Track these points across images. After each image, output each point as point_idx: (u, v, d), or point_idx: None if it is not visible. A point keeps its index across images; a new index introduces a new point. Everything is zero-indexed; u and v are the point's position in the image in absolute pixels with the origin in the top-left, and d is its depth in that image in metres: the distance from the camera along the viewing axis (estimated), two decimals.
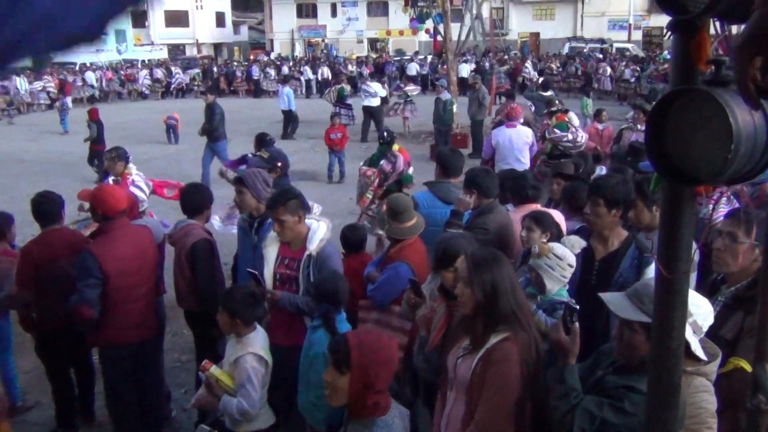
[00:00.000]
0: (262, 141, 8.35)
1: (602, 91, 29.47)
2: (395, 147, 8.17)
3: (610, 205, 3.98)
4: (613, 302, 2.74)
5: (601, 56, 33.89)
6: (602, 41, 40.64)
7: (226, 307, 3.98)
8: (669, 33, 1.43)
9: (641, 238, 4.09)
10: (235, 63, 41.64)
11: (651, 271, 3.79)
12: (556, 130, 8.57)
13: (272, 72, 35.34)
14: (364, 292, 4.76)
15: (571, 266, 3.69)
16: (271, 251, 4.63)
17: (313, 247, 4.47)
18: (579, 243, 3.76)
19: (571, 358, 2.78)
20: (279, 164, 6.01)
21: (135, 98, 35.42)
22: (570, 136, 8.30)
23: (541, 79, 19.04)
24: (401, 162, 8.09)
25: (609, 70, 29.81)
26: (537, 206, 5.03)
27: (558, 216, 4.76)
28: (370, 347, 2.87)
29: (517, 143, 9.29)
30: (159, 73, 36.80)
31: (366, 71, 33.80)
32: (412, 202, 4.90)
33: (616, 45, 39.11)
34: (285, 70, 34.32)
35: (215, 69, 38.66)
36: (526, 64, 31.13)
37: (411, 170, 8.12)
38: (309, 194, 7.61)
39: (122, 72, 37.13)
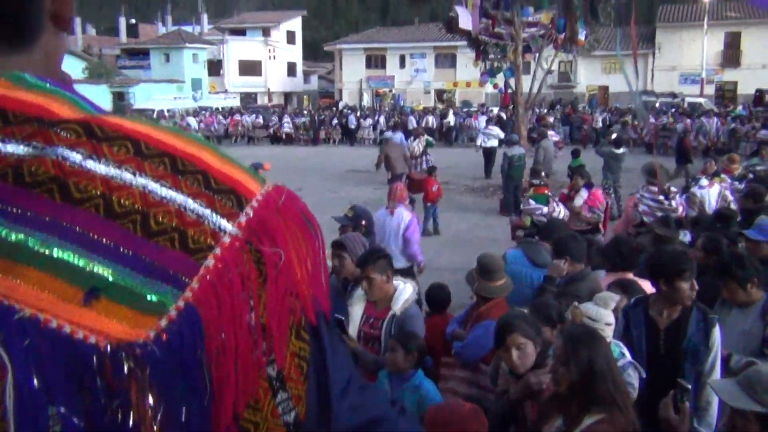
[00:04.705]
0: None
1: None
2: None
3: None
4: (725, 391, 2.69)
5: (673, 111, 32.62)
6: (673, 95, 39.81)
7: None
8: None
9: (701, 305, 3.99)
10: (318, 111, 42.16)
11: (717, 333, 3.76)
12: (531, 201, 8.46)
13: (368, 121, 35.78)
14: (444, 350, 4.76)
15: (609, 324, 3.56)
16: (357, 309, 4.66)
17: (397, 307, 4.49)
18: (611, 298, 3.64)
19: None
20: (363, 222, 6.09)
21: (238, 142, 35.83)
22: (545, 210, 8.15)
23: (614, 135, 18.70)
24: None
25: (716, 121, 27.49)
26: (629, 274, 4.90)
27: (646, 285, 4.66)
28: (443, 422, 2.87)
29: (391, 227, 7.52)
30: (261, 118, 37.62)
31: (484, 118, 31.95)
32: (503, 262, 4.91)
33: (688, 99, 38.29)
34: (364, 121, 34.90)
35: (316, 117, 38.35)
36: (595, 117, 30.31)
37: None
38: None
39: (204, 116, 38.32)
